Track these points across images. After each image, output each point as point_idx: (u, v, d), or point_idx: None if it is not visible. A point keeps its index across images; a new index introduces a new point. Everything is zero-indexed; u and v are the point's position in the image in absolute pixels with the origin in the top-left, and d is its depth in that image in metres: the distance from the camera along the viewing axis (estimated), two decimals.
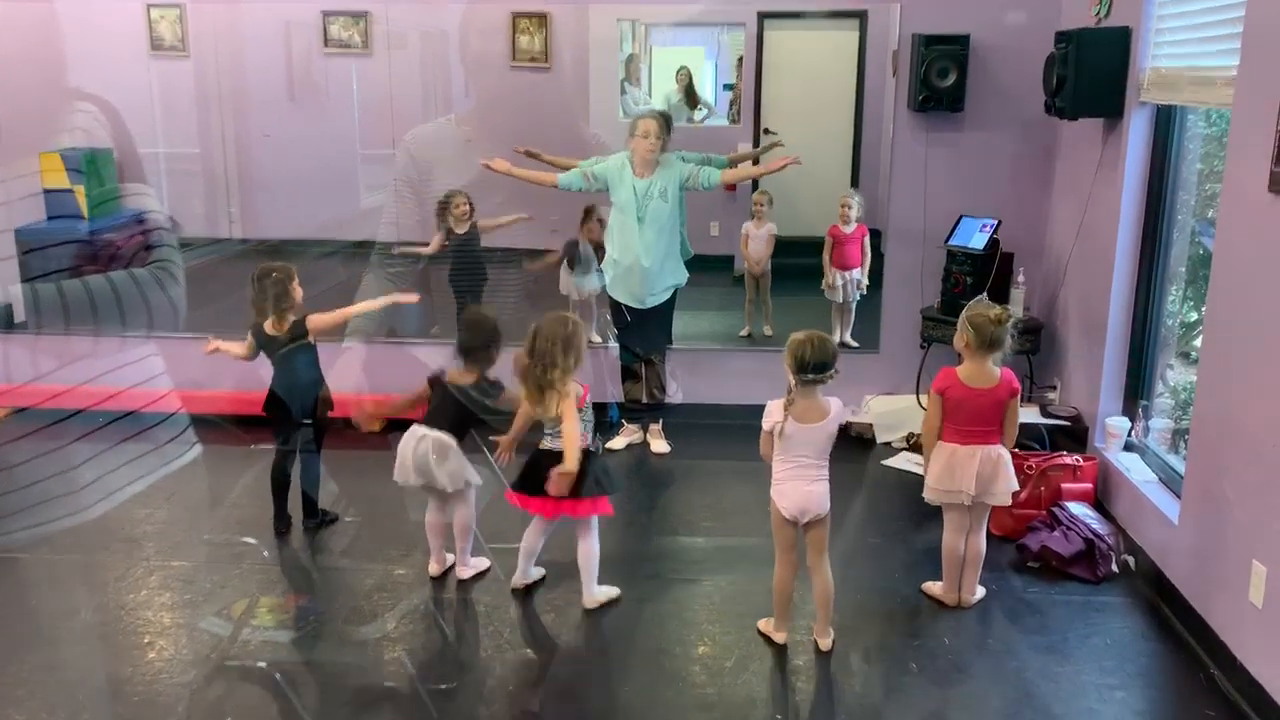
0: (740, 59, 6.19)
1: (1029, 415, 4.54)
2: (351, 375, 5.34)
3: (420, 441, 3.65)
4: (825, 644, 3.38)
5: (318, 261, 5.76)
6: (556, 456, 3.49)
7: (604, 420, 4.69)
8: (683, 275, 4.96)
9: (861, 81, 6.00)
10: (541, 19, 5.49)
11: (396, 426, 5.23)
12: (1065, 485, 4.17)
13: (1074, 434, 4.62)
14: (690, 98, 6.44)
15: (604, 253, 4.98)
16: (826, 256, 5.59)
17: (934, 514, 3.78)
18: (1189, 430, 3.69)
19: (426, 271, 5.56)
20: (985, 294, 4.41)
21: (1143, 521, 3.93)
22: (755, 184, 5.69)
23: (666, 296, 4.93)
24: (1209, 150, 4.12)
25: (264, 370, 4.12)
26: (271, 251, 5.72)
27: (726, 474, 4.80)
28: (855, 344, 5.61)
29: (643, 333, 5.00)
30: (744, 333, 5.87)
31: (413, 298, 4.56)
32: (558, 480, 3.42)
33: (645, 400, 5.14)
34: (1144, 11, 4.10)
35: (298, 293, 4.05)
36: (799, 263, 5.73)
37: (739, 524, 4.28)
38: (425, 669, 3.31)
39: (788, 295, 5.80)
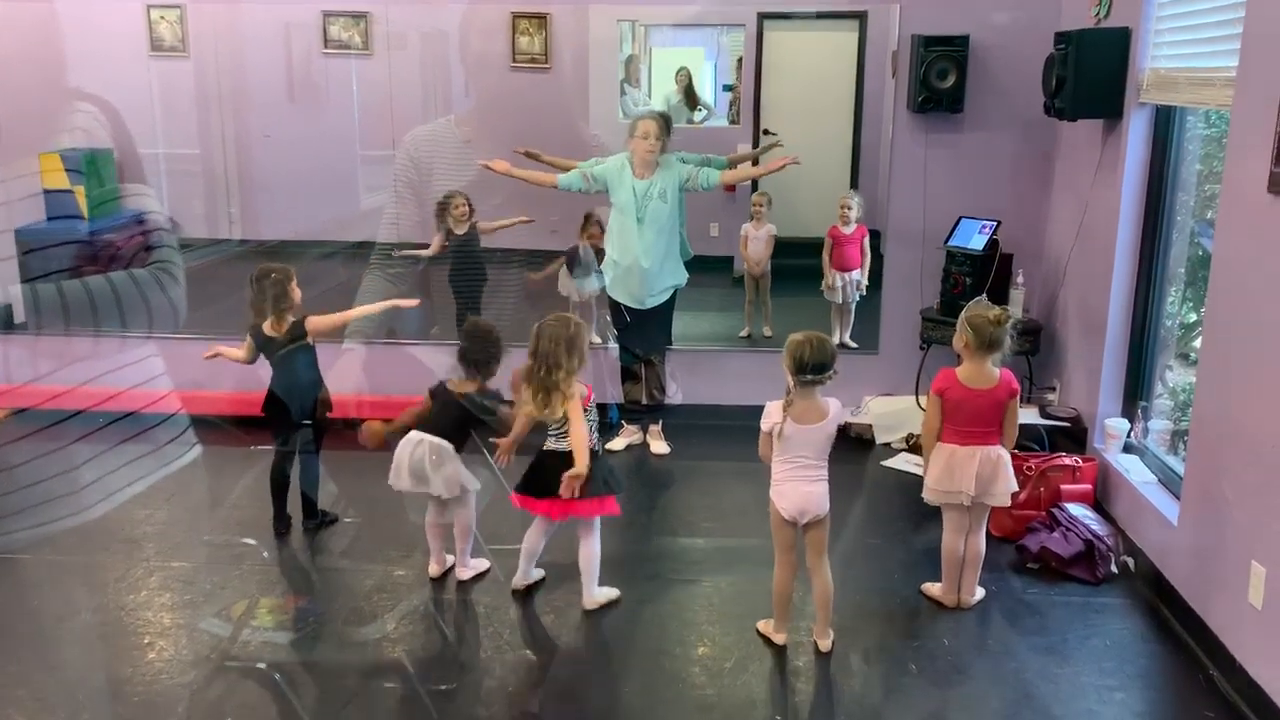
0: (740, 60, 6.19)
1: (1028, 416, 4.54)
2: (351, 376, 5.35)
3: (417, 446, 3.65)
4: (825, 645, 3.38)
5: (318, 262, 5.77)
6: (561, 457, 3.50)
7: (603, 421, 4.68)
8: (682, 276, 4.96)
9: (861, 82, 6.00)
10: (541, 20, 5.49)
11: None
12: (1064, 486, 4.17)
13: (1073, 435, 4.62)
14: (690, 99, 6.45)
15: (604, 255, 4.99)
16: (826, 257, 5.59)
17: (933, 515, 3.79)
18: (1188, 431, 3.69)
19: (426, 272, 5.56)
20: (984, 295, 4.41)
21: (1142, 522, 3.93)
22: (755, 185, 5.69)
23: (666, 297, 4.93)
24: (1208, 151, 4.12)
25: (264, 371, 4.12)
26: (271, 252, 5.73)
27: (726, 475, 4.81)
28: (855, 345, 5.61)
29: (642, 333, 5.00)
30: (744, 333, 5.87)
31: (412, 303, 4.56)
32: (569, 483, 3.42)
33: (645, 401, 5.14)
34: (1143, 12, 4.10)
35: (296, 294, 4.05)
36: (799, 263, 5.73)
37: (738, 525, 4.28)
38: (425, 670, 3.31)
39: (787, 296, 5.81)
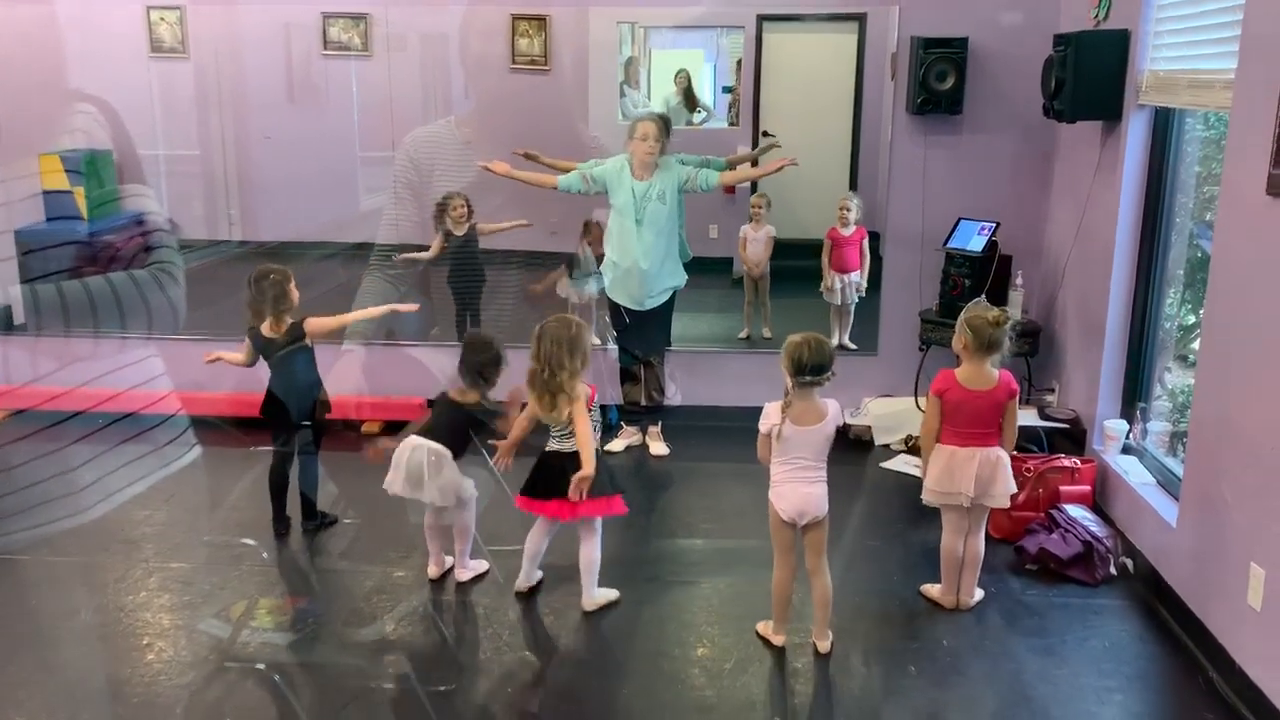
0: (739, 62, 6.19)
1: (1027, 417, 4.55)
2: (351, 377, 5.35)
3: (415, 451, 3.64)
4: (824, 646, 3.38)
5: (317, 263, 5.77)
6: (566, 458, 3.50)
7: (603, 422, 4.69)
8: (681, 277, 4.97)
9: (860, 84, 6.00)
10: (541, 21, 5.49)
11: (396, 429, 5.25)
12: (1063, 488, 4.17)
13: (1072, 436, 4.62)
14: (689, 100, 6.44)
15: (603, 257, 4.99)
16: (825, 259, 5.59)
17: (932, 516, 3.79)
18: (1187, 433, 3.70)
19: (426, 273, 5.56)
20: (984, 296, 4.42)
21: (1141, 524, 3.93)
22: (754, 187, 5.69)
23: (665, 298, 4.94)
24: (1207, 153, 4.12)
25: (264, 373, 4.13)
26: (271, 253, 5.72)
27: (725, 476, 4.81)
28: (854, 346, 5.61)
29: (641, 335, 5.00)
30: (743, 335, 5.87)
31: (412, 307, 4.56)
32: (577, 485, 3.42)
33: (644, 402, 5.14)
34: (1142, 14, 4.11)
35: (295, 295, 4.05)
36: (798, 265, 5.73)
37: (738, 526, 4.28)
38: (424, 671, 3.31)
39: (786, 298, 5.80)
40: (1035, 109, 4.69)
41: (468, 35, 5.63)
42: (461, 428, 3.70)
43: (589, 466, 3.44)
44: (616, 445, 5.09)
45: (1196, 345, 3.91)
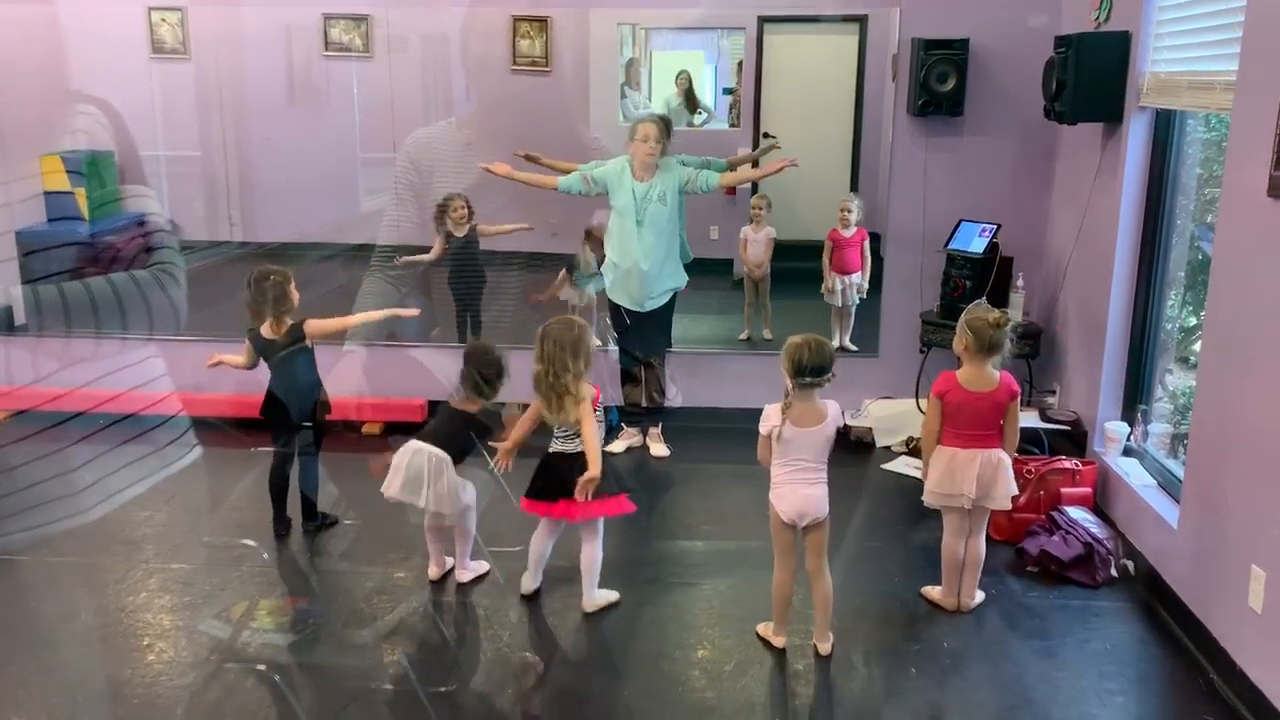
0: (740, 63, 6.19)
1: (1028, 419, 4.54)
2: (352, 378, 5.35)
3: (415, 455, 3.63)
4: (825, 648, 3.38)
5: (318, 264, 5.77)
6: (571, 459, 3.50)
7: (604, 423, 4.69)
8: (682, 278, 4.97)
9: (861, 86, 6.00)
10: (542, 23, 5.50)
11: (397, 430, 5.26)
12: (1064, 489, 4.17)
13: (1073, 438, 4.62)
14: (690, 102, 6.45)
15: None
16: (826, 260, 5.59)
17: (933, 518, 3.79)
18: (1188, 435, 3.70)
19: (426, 274, 5.56)
20: (984, 298, 4.41)
21: (1142, 526, 3.93)
22: (754, 188, 5.69)
23: (665, 300, 4.94)
24: (1208, 155, 4.12)
25: (265, 373, 4.13)
26: (272, 254, 5.72)
27: (726, 477, 4.80)
28: (854, 348, 5.61)
29: (642, 336, 5.00)
30: (743, 336, 5.87)
31: (413, 312, 4.56)
32: (585, 486, 3.42)
33: (644, 404, 5.14)
34: (1143, 16, 4.11)
35: (295, 295, 4.05)
36: (798, 266, 5.73)
37: (738, 528, 4.28)
38: (424, 672, 3.31)
39: (787, 299, 5.80)
40: (1036, 111, 4.69)
41: (469, 36, 5.64)
42: (462, 435, 3.70)
43: (595, 467, 3.44)
44: (617, 446, 5.09)
45: (1198, 347, 3.91)
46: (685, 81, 6.45)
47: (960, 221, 5.06)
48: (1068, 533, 3.91)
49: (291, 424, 4.07)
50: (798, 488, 3.27)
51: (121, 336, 4.78)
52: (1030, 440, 4.49)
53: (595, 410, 3.54)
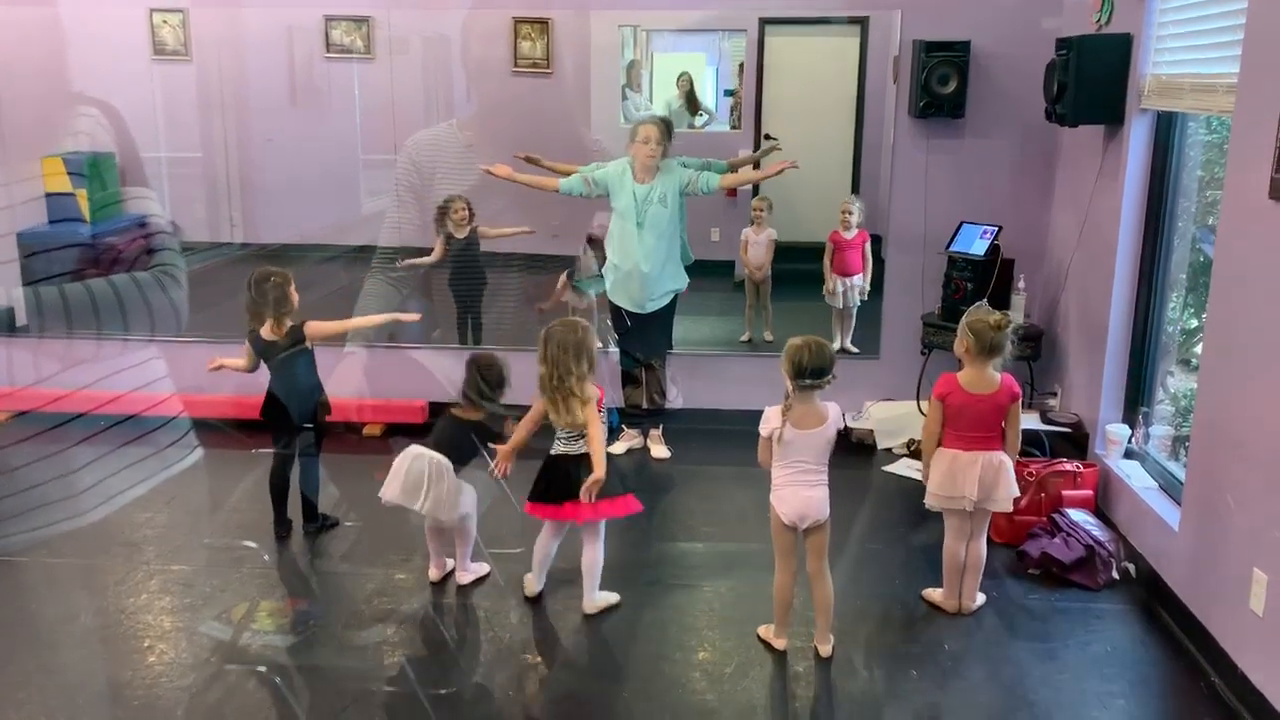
0: (741, 65, 6.20)
1: (1029, 422, 4.54)
2: (352, 380, 5.35)
3: (416, 460, 3.63)
4: (825, 650, 3.38)
5: (319, 266, 5.78)
6: (575, 461, 3.50)
7: (606, 425, 4.70)
8: (683, 280, 4.97)
9: (862, 87, 6.00)
10: (543, 25, 5.50)
11: (397, 432, 5.26)
12: (1066, 492, 4.17)
13: (1074, 441, 4.62)
14: (691, 103, 6.45)
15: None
16: (827, 262, 5.59)
17: (934, 520, 3.79)
18: (1189, 437, 3.69)
19: (427, 276, 5.56)
20: (986, 300, 4.41)
21: (1143, 528, 3.93)
22: (755, 190, 5.69)
23: (666, 301, 4.94)
24: (1210, 157, 4.12)
25: (266, 375, 4.12)
26: (273, 256, 5.73)
27: (726, 479, 4.80)
28: (856, 350, 5.60)
29: (643, 338, 5.00)
30: (744, 338, 5.88)
31: (413, 317, 4.57)
32: (591, 488, 3.42)
33: (645, 405, 5.14)
34: (1145, 18, 4.11)
35: (295, 297, 4.05)
36: (800, 268, 5.73)
37: (739, 529, 4.28)
38: (425, 674, 3.31)
39: (788, 301, 5.80)
40: (1037, 113, 4.68)
41: (470, 38, 5.64)
42: (463, 442, 3.70)
43: (601, 469, 3.44)
44: (618, 448, 5.09)
45: (1199, 349, 3.91)
46: (686, 83, 6.45)
47: (961, 223, 5.06)
48: (1069, 535, 3.90)
49: (292, 425, 4.08)
50: (798, 490, 3.27)
51: (123, 338, 4.79)
52: (1031, 442, 4.49)
53: (600, 411, 3.54)
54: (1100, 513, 4.19)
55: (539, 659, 3.43)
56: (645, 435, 5.18)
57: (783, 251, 5.70)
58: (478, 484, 3.76)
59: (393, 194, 5.69)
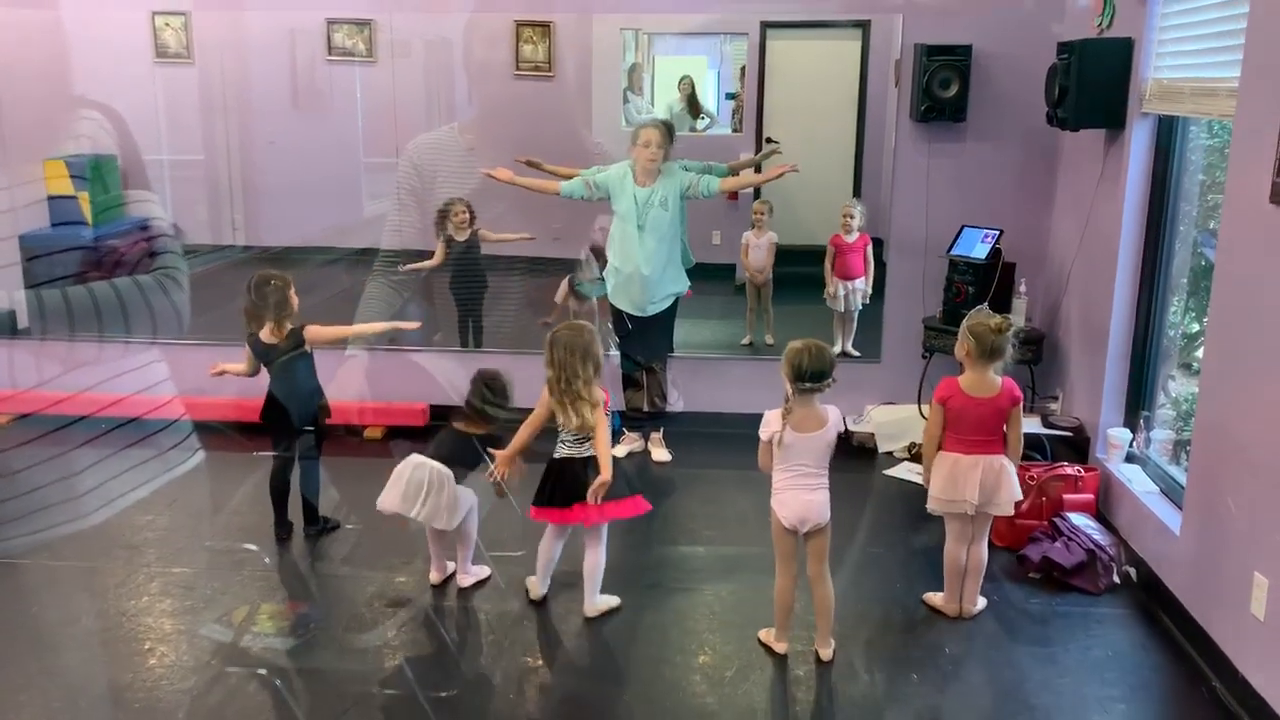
0: (743, 68, 6.20)
1: (1030, 425, 4.53)
2: (354, 383, 5.36)
3: (417, 469, 3.63)
4: (826, 654, 3.38)
5: (321, 269, 5.78)
6: (581, 463, 3.50)
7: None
8: (684, 283, 4.97)
9: (864, 91, 6.01)
10: (545, 28, 5.51)
11: (398, 434, 5.26)
12: (1067, 496, 4.16)
13: (1075, 445, 4.61)
14: (692, 107, 6.46)
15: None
16: (828, 265, 5.59)
17: (935, 523, 3.78)
18: (1190, 441, 3.69)
19: (428, 279, 5.57)
20: (987, 304, 4.41)
21: (1144, 533, 3.92)
22: (756, 193, 5.70)
23: (667, 304, 4.94)
24: (1211, 161, 4.12)
25: (266, 377, 4.13)
26: (275, 259, 5.74)
27: (727, 483, 4.80)
28: (857, 353, 5.61)
29: (644, 341, 5.00)
30: (745, 341, 5.88)
31: (413, 325, 4.58)
32: (596, 490, 3.43)
33: (646, 408, 5.14)
34: (1146, 22, 4.11)
35: (295, 300, 4.06)
36: (801, 271, 5.73)
37: (740, 533, 4.28)
38: (425, 677, 3.31)
39: (789, 304, 5.81)
40: (1039, 117, 4.68)
41: (471, 41, 5.65)
42: (465, 454, 3.70)
43: (608, 471, 3.44)
44: (618, 451, 5.08)
45: (1200, 353, 3.91)
46: (688, 86, 6.46)
47: (963, 227, 5.06)
48: (1070, 539, 3.90)
49: (292, 428, 4.08)
50: (799, 493, 3.27)
51: (125, 340, 4.79)
52: (1032, 446, 4.48)
53: (606, 413, 3.55)
54: (1101, 517, 4.19)
55: (539, 662, 3.43)
56: (646, 438, 5.18)
57: (784, 255, 5.70)
58: (478, 488, 3.76)
59: (394, 197, 5.70)
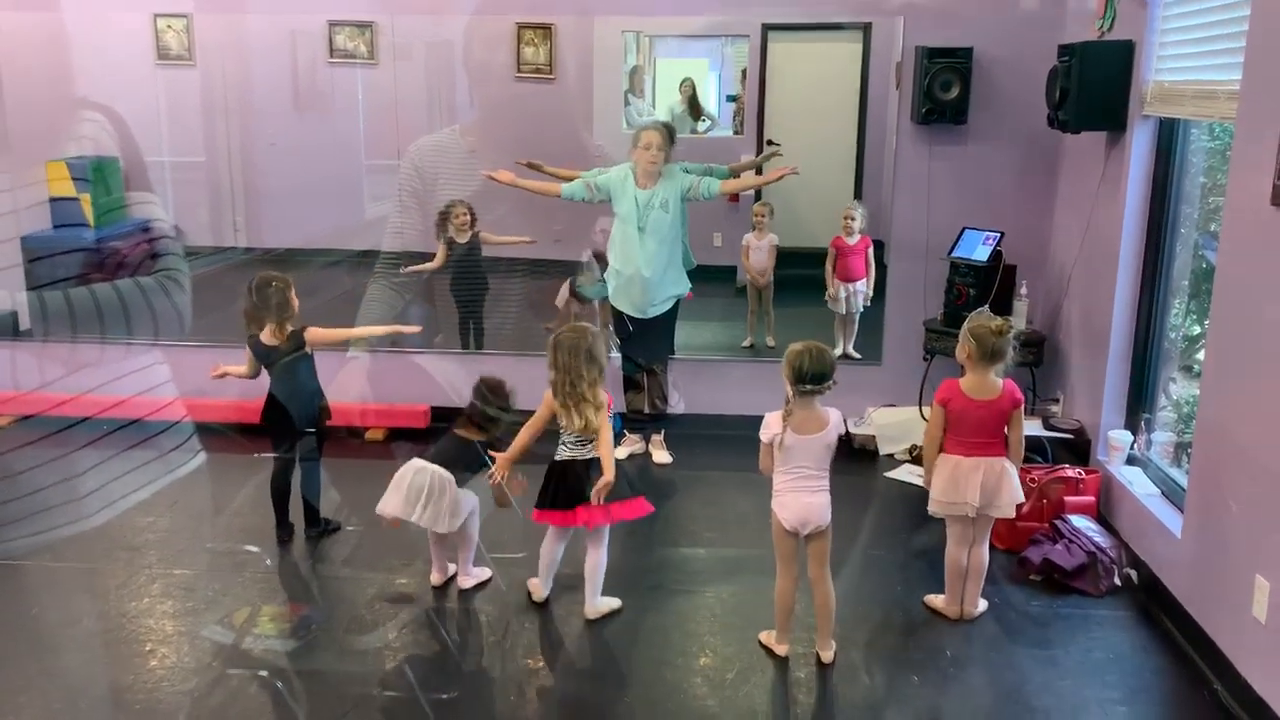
0: (744, 70, 6.21)
1: (1031, 428, 4.53)
2: (355, 384, 5.36)
3: (418, 474, 3.63)
4: (827, 656, 3.37)
5: (322, 271, 5.79)
6: (584, 465, 3.50)
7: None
8: (685, 285, 4.97)
9: (865, 93, 6.01)
10: (546, 30, 5.51)
11: (399, 436, 5.27)
12: (1068, 498, 4.16)
13: (1076, 447, 4.61)
14: (694, 109, 6.46)
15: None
16: (829, 268, 5.60)
17: (936, 526, 3.78)
18: (1191, 444, 3.69)
19: (430, 281, 5.57)
20: (988, 306, 4.42)
21: (1145, 535, 3.92)
22: (757, 195, 5.70)
23: (668, 306, 4.94)
24: (1212, 164, 4.12)
25: (267, 378, 4.13)
26: (276, 261, 5.74)
27: (728, 485, 4.80)
28: (858, 355, 5.61)
29: (645, 343, 5.00)
30: (746, 343, 5.88)
31: (414, 329, 4.58)
32: (600, 492, 3.44)
33: (647, 410, 5.15)
34: (1147, 25, 4.11)
35: (295, 302, 4.06)
36: (802, 273, 5.74)
37: (740, 535, 4.28)
38: (426, 678, 3.31)
39: (790, 306, 5.81)
40: (1040, 119, 4.69)
41: (473, 43, 5.66)
42: (466, 459, 3.70)
43: (611, 472, 3.45)
44: (619, 453, 5.06)
45: (1201, 356, 3.91)
46: (689, 89, 6.46)
47: (964, 229, 5.06)
48: (1071, 541, 3.90)
49: (293, 430, 4.08)
50: (800, 495, 3.27)
51: (126, 342, 4.80)
52: (1033, 448, 4.48)
53: (610, 415, 3.55)
54: (1102, 519, 4.19)
55: (540, 664, 3.43)
56: (647, 440, 5.18)
57: (785, 257, 5.71)
58: (479, 490, 3.76)
59: (395, 199, 5.71)
